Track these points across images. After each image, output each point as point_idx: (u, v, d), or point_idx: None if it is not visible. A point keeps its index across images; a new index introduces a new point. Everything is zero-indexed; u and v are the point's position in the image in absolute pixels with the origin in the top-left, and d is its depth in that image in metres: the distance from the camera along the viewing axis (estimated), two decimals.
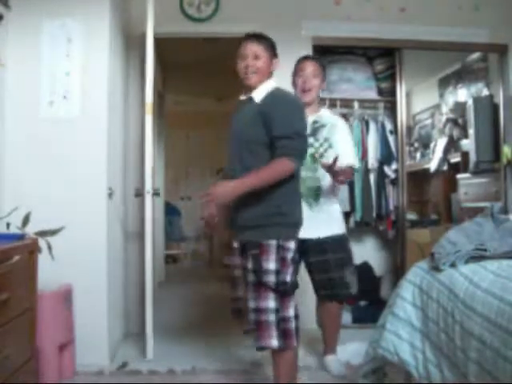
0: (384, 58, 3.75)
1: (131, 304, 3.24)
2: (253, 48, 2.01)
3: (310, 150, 2.36)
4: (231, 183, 1.89)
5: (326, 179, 2.39)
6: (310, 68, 2.51)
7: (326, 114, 2.57)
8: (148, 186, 2.75)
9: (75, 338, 2.52)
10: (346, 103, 3.63)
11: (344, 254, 2.48)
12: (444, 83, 5.12)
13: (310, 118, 2.40)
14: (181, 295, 4.59)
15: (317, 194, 2.45)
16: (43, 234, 2.21)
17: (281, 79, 3.36)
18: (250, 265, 1.94)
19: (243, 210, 1.97)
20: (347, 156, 2.42)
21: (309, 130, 2.23)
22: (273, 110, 1.95)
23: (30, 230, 2.20)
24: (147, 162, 2.77)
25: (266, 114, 1.94)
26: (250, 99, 2.04)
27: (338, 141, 2.47)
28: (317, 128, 2.49)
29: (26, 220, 2.24)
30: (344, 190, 3.31)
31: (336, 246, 2.45)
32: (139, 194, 2.87)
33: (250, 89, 2.04)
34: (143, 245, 3.26)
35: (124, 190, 3.19)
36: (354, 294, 2.52)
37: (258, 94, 2.01)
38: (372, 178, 3.52)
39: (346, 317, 3.27)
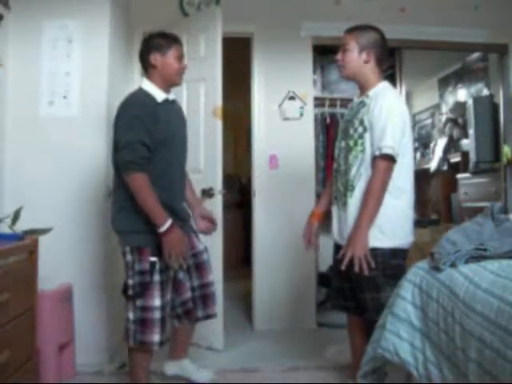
0: None
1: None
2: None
3: (347, 140, 2.08)
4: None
5: (358, 173, 2.00)
6: (343, 42, 2.11)
7: (374, 92, 2.04)
8: (220, 187, 2.87)
9: (75, 337, 2.52)
10: (346, 103, 3.62)
11: (379, 272, 1.96)
12: (444, 83, 5.13)
13: (359, 100, 2.11)
14: None
15: (344, 192, 2.06)
16: (32, 232, 2.18)
17: (282, 79, 3.41)
18: (202, 246, 2.29)
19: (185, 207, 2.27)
20: (376, 141, 1.94)
21: (352, 115, 2.10)
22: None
23: (22, 228, 2.18)
24: (218, 163, 2.86)
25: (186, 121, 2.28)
26: (173, 101, 2.17)
27: (372, 121, 1.97)
28: (358, 110, 2.07)
29: (16, 216, 2.21)
30: None
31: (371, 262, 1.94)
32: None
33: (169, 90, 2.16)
34: None
35: None
36: None
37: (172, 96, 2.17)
38: None
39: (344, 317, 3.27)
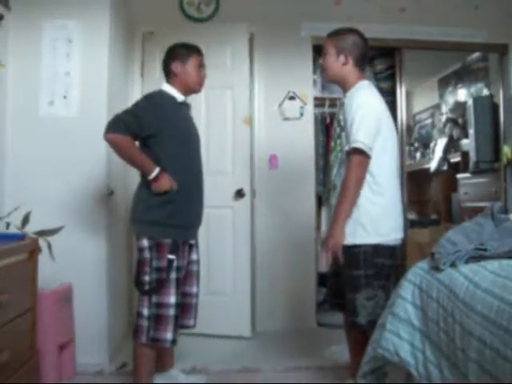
0: (384, 58, 3.75)
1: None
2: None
3: (332, 141, 2.13)
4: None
5: (339, 172, 2.03)
6: (323, 48, 2.15)
7: (351, 91, 2.07)
8: (249, 188, 3.14)
9: (75, 337, 2.52)
10: None
11: (361, 271, 1.96)
12: (444, 83, 5.13)
13: (341, 101, 2.16)
14: None
15: (330, 192, 2.11)
16: (43, 233, 2.21)
17: (282, 79, 3.41)
18: (196, 256, 2.29)
19: (202, 208, 2.27)
20: (348, 137, 1.96)
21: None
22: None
23: (30, 229, 2.20)
24: (247, 166, 3.14)
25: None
26: (187, 104, 2.27)
27: (346, 120, 2.00)
28: (338, 112, 2.13)
29: (25, 220, 2.24)
30: None
31: (348, 260, 1.98)
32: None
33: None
34: None
35: (125, 188, 3.19)
36: (361, 325, 1.97)
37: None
38: None
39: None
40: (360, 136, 1.91)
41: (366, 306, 1.94)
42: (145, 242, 2.08)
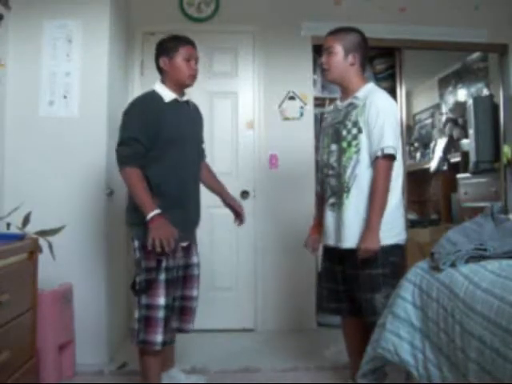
0: (384, 58, 3.76)
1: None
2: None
3: (339, 142, 2.07)
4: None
5: (353, 174, 2.00)
6: (325, 45, 2.11)
7: (364, 93, 2.05)
8: (253, 188, 3.33)
9: (75, 337, 2.52)
10: None
11: (379, 270, 1.99)
12: (444, 83, 5.13)
13: (346, 102, 2.10)
14: None
15: (339, 194, 2.05)
16: (44, 233, 2.20)
17: (282, 79, 3.41)
18: (197, 259, 2.24)
19: (198, 209, 2.23)
20: (375, 142, 1.96)
21: (341, 117, 2.08)
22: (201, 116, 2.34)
23: (30, 230, 2.20)
24: (251, 168, 3.35)
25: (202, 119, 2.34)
26: (186, 102, 2.18)
27: (368, 122, 1.98)
28: (348, 112, 2.06)
29: (26, 220, 2.24)
30: None
31: (366, 260, 1.98)
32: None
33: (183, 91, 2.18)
34: None
35: (125, 189, 3.18)
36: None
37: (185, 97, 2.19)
38: None
39: None
40: (391, 141, 1.95)
41: (386, 305, 1.94)
42: (136, 243, 2.05)
